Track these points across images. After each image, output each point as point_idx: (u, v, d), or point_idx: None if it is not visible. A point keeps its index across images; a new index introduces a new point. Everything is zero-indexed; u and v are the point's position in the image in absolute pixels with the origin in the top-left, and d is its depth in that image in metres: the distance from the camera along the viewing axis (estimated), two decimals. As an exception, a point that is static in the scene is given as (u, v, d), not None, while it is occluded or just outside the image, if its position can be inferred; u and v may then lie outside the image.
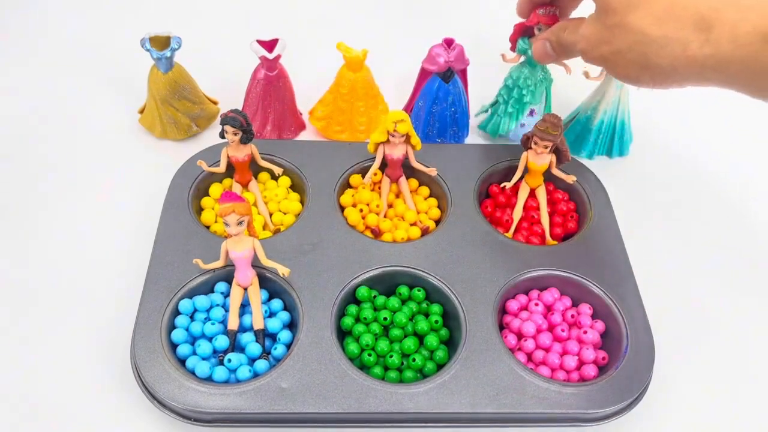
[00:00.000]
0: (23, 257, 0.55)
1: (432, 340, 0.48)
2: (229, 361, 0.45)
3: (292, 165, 0.58)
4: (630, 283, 0.51)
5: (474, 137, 0.68)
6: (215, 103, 0.67)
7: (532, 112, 0.64)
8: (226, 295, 0.49)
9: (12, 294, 0.52)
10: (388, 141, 0.55)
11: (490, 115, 0.66)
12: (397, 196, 0.59)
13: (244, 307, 0.49)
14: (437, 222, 0.57)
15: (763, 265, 0.59)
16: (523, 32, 0.58)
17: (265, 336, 0.47)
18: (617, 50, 0.44)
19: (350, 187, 0.59)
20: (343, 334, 0.49)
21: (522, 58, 0.61)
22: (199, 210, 0.56)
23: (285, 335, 0.48)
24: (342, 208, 0.56)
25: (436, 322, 0.49)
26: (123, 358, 0.47)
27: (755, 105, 0.64)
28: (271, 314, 0.49)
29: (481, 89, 0.67)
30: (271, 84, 0.62)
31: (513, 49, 0.60)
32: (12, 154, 0.63)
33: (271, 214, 0.57)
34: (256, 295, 0.48)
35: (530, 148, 0.56)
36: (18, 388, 0.47)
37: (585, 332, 0.49)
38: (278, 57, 0.61)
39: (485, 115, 0.67)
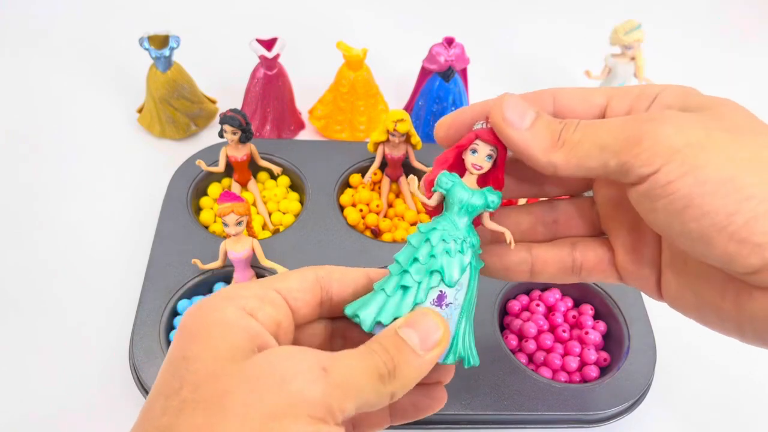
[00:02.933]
0: (22, 257, 0.54)
1: (432, 340, 0.47)
2: (228, 362, 0.45)
3: (291, 164, 0.58)
4: (631, 284, 0.51)
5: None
6: (214, 102, 0.67)
7: None
8: (225, 295, 0.49)
9: (10, 294, 0.52)
10: (388, 140, 0.55)
11: None
12: (397, 195, 0.59)
13: (243, 307, 0.49)
14: (437, 222, 0.57)
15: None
16: (454, 168, 0.29)
17: (264, 337, 0.47)
18: None
19: (350, 186, 0.59)
20: (342, 334, 0.49)
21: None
22: (198, 210, 0.56)
23: (284, 336, 0.47)
24: (342, 208, 0.56)
25: (437, 322, 0.49)
26: (122, 359, 0.47)
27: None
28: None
29: (482, 88, 0.67)
30: (271, 83, 0.62)
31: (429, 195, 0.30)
32: (10, 154, 0.63)
33: (270, 214, 0.56)
34: (256, 296, 0.48)
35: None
36: (17, 388, 0.47)
37: (586, 333, 0.48)
38: (277, 56, 0.61)
39: None
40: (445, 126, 0.29)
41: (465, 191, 0.28)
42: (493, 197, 0.28)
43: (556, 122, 0.26)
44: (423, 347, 0.25)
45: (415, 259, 0.27)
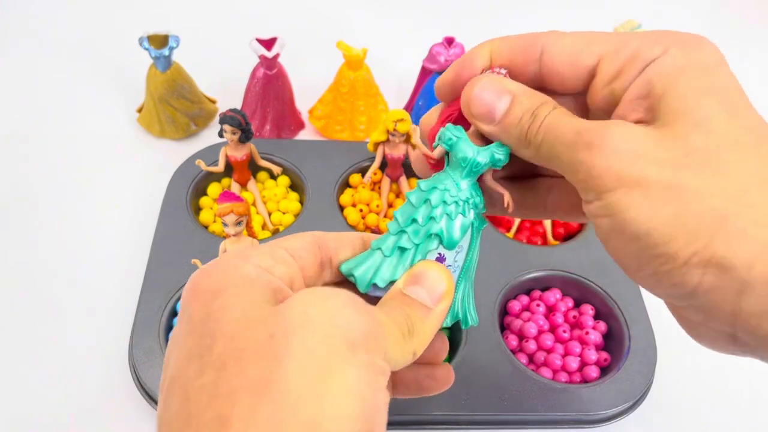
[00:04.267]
0: (21, 257, 0.54)
1: (432, 341, 0.47)
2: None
3: (291, 164, 0.58)
4: (631, 284, 0.51)
5: (474, 137, 0.67)
6: (214, 102, 0.67)
7: None
8: (225, 295, 0.49)
9: (10, 294, 0.52)
10: (388, 140, 0.54)
11: None
12: (398, 195, 0.58)
13: (243, 307, 0.49)
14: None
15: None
16: (458, 121, 0.28)
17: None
18: None
19: (350, 186, 0.58)
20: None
21: None
22: (198, 210, 0.56)
23: (284, 336, 0.47)
24: (342, 208, 0.56)
25: (437, 322, 0.49)
26: (121, 359, 0.47)
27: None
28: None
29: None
30: (270, 83, 0.62)
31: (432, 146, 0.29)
32: (10, 153, 0.63)
33: (270, 214, 0.56)
34: (255, 296, 0.47)
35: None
36: (16, 388, 0.47)
37: (587, 333, 0.48)
38: (277, 55, 0.61)
39: None
40: (448, 83, 0.28)
41: (470, 147, 0.26)
42: (501, 154, 0.26)
43: (528, 112, 0.25)
44: (432, 301, 0.25)
45: (414, 220, 0.26)
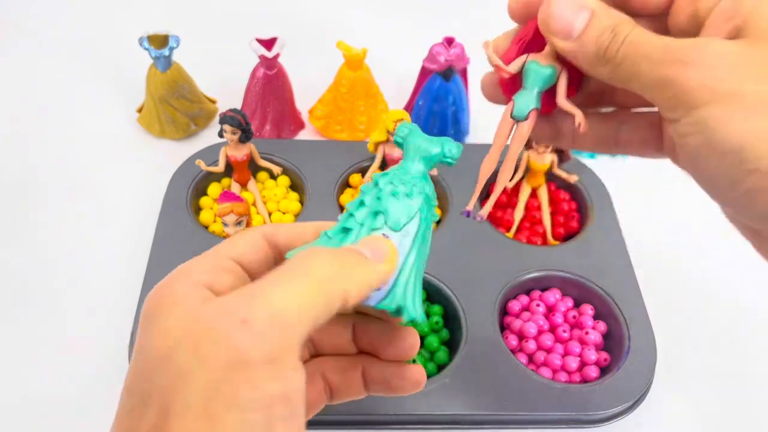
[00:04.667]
0: (21, 257, 0.54)
1: (432, 341, 0.47)
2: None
3: (291, 164, 0.58)
4: (631, 284, 0.51)
5: (474, 137, 0.68)
6: (214, 102, 0.67)
7: None
8: (225, 295, 0.49)
9: (10, 293, 0.52)
10: (388, 140, 0.54)
11: None
12: (397, 195, 0.58)
13: (243, 307, 0.49)
14: (437, 222, 0.57)
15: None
16: (535, 42, 0.28)
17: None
18: None
19: (350, 186, 0.59)
20: (342, 334, 0.49)
21: None
22: (198, 210, 0.56)
23: (284, 336, 0.47)
24: (342, 208, 0.56)
25: (437, 323, 0.49)
26: (121, 359, 0.47)
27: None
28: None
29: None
30: (270, 83, 0.62)
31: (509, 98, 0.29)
32: (10, 153, 0.63)
33: (270, 214, 0.56)
34: (255, 296, 0.47)
35: (531, 147, 0.55)
36: (17, 388, 0.47)
37: (587, 333, 0.48)
38: (277, 55, 0.61)
39: None
40: (522, 2, 0.28)
41: (422, 140, 0.27)
42: (452, 149, 0.26)
43: (607, 30, 0.25)
44: (374, 258, 0.24)
45: (362, 203, 0.26)
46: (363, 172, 0.58)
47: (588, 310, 0.50)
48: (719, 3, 0.24)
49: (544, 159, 0.55)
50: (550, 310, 0.51)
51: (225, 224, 0.46)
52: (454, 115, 0.63)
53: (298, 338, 0.21)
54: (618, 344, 0.48)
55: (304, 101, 0.67)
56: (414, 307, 0.26)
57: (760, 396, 0.50)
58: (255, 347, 0.20)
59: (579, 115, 0.27)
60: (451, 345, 0.49)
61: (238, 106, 0.64)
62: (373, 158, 0.57)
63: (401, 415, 0.43)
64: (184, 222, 0.53)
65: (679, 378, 0.50)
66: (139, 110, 0.65)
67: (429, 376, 0.46)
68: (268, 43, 0.60)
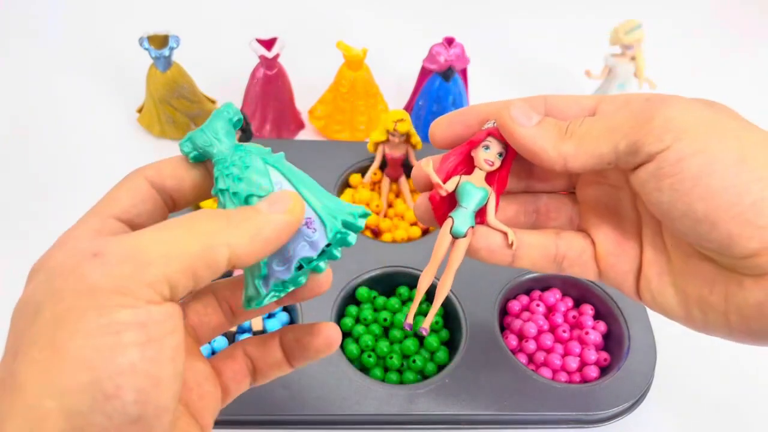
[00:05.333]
0: (20, 257, 0.54)
1: (432, 341, 0.47)
2: (228, 362, 0.45)
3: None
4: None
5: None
6: (214, 102, 0.67)
7: None
8: (225, 295, 0.49)
9: (10, 294, 0.52)
10: (387, 140, 0.55)
11: None
12: (397, 195, 0.58)
13: (243, 307, 0.49)
14: (437, 222, 0.57)
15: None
16: (463, 164, 0.29)
17: (264, 337, 0.47)
18: None
19: (350, 186, 0.59)
20: (342, 334, 0.49)
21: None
22: (198, 209, 0.56)
23: (284, 336, 0.47)
24: (342, 208, 0.56)
25: (437, 323, 0.49)
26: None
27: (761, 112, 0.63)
28: (270, 315, 0.49)
29: (482, 88, 0.67)
30: (270, 83, 0.62)
31: (438, 214, 0.30)
32: (10, 154, 0.63)
33: (270, 214, 0.56)
34: (255, 296, 0.47)
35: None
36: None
37: (587, 333, 0.48)
38: (277, 56, 0.61)
39: None
40: (443, 125, 0.29)
41: (212, 130, 0.26)
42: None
43: (561, 122, 0.27)
44: (272, 210, 0.23)
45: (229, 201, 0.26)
46: (363, 172, 0.58)
47: (588, 310, 0.50)
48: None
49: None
50: (550, 310, 0.51)
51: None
52: (454, 115, 0.63)
53: (159, 276, 0.20)
54: (618, 344, 0.48)
55: (304, 101, 0.67)
56: (343, 215, 0.25)
57: (760, 396, 0.50)
58: (104, 276, 0.20)
59: (510, 234, 0.28)
60: (451, 345, 0.49)
61: (239, 106, 0.64)
62: (372, 158, 0.57)
63: (401, 415, 0.43)
64: (184, 222, 0.53)
65: (679, 378, 0.50)
66: (139, 110, 0.65)
67: (429, 376, 0.46)
68: (268, 44, 0.60)
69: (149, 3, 0.82)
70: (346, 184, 0.58)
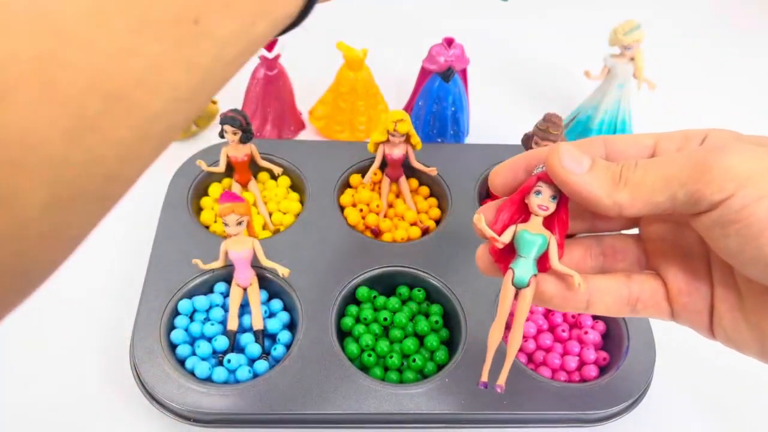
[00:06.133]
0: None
1: (432, 340, 0.48)
2: (229, 361, 0.45)
3: (291, 165, 0.58)
4: (631, 284, 0.51)
5: (474, 137, 0.68)
6: (214, 102, 0.67)
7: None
8: (226, 295, 0.49)
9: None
10: (388, 140, 0.55)
11: None
12: (397, 195, 0.59)
13: (244, 307, 0.49)
14: (437, 222, 0.57)
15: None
16: (518, 212, 0.29)
17: (264, 336, 0.47)
18: None
19: (350, 186, 0.59)
20: (342, 334, 0.49)
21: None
22: (199, 210, 0.56)
23: (285, 336, 0.48)
24: (342, 208, 0.56)
25: (437, 322, 0.49)
26: (122, 359, 0.47)
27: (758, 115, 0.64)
28: (271, 315, 0.49)
29: (482, 89, 0.67)
30: (271, 83, 0.62)
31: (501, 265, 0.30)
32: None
33: (270, 214, 0.56)
34: (256, 296, 0.48)
35: (531, 147, 0.55)
36: (17, 387, 0.47)
37: (586, 333, 0.48)
38: (278, 56, 0.61)
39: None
40: (502, 174, 0.29)
41: None
42: None
43: (613, 164, 0.26)
44: None
45: None
46: (363, 172, 0.58)
47: (587, 309, 0.50)
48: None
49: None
50: (549, 309, 0.51)
51: (226, 224, 0.46)
52: (453, 116, 0.63)
53: None
54: (617, 344, 0.48)
55: (304, 102, 0.67)
56: None
57: (759, 395, 0.50)
58: None
59: (576, 276, 0.28)
60: (451, 345, 0.49)
61: (239, 107, 0.64)
62: (373, 158, 0.57)
63: (401, 414, 0.43)
64: (185, 222, 0.53)
65: (678, 377, 0.50)
66: (140, 111, 0.65)
67: (429, 375, 0.46)
68: (269, 44, 0.60)
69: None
70: (346, 184, 0.58)
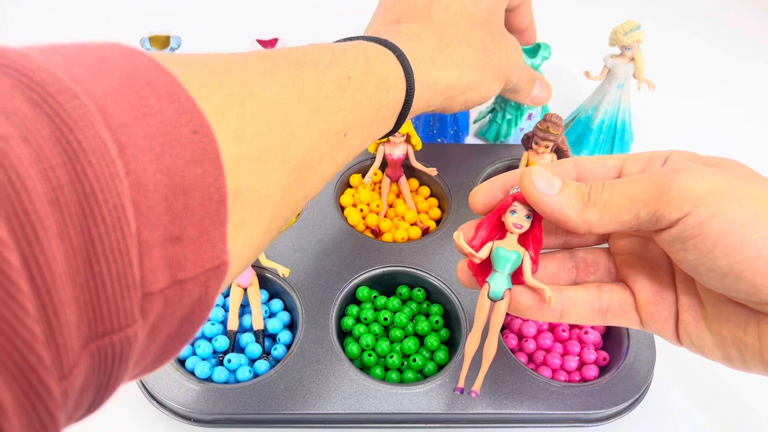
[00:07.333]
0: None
1: (432, 340, 0.48)
2: (229, 361, 0.45)
3: (291, 165, 0.58)
4: (631, 284, 0.51)
5: (474, 137, 0.68)
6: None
7: (530, 116, 0.63)
8: (226, 295, 0.49)
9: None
10: (388, 140, 0.55)
11: (489, 122, 0.66)
12: (398, 196, 0.59)
13: (244, 307, 0.49)
14: (437, 222, 0.57)
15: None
16: (495, 230, 0.31)
17: (265, 336, 0.47)
18: None
19: (350, 187, 0.59)
20: (343, 334, 0.49)
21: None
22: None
23: (285, 336, 0.48)
24: (342, 208, 0.56)
25: (437, 322, 0.49)
26: (122, 359, 0.47)
27: (760, 107, 0.64)
28: (271, 314, 0.49)
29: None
30: (271, 83, 0.62)
31: (479, 279, 0.32)
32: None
33: (270, 214, 0.56)
34: (256, 296, 0.48)
35: (531, 147, 0.55)
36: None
37: (586, 333, 0.48)
38: (278, 56, 0.61)
39: (484, 121, 0.67)
40: (481, 194, 0.31)
41: None
42: None
43: (582, 185, 0.28)
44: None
45: None
46: (363, 172, 0.58)
47: (587, 309, 0.51)
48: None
49: (544, 158, 0.55)
50: (550, 309, 0.51)
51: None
52: (453, 116, 0.63)
53: None
54: (617, 343, 0.48)
55: (304, 102, 0.67)
56: None
57: (760, 395, 0.50)
58: None
59: (547, 290, 0.30)
60: (451, 345, 0.49)
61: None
62: (373, 158, 0.57)
63: (401, 414, 0.43)
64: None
65: (679, 377, 0.50)
66: (140, 111, 0.65)
67: (429, 375, 0.46)
68: (269, 44, 0.60)
69: (150, 3, 0.82)
70: (346, 184, 0.58)
